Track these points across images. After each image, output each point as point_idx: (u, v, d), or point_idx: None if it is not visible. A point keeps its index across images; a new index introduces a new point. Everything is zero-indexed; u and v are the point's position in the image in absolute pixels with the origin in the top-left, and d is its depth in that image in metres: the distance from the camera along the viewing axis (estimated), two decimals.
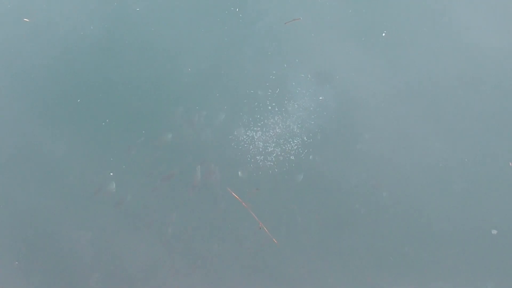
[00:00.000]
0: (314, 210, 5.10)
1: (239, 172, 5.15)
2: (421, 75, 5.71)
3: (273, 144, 5.36)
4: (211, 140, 5.40)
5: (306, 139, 5.42)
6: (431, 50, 5.82)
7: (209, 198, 5.16)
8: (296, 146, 5.36)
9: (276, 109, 5.53)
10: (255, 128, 5.45)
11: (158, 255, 4.98)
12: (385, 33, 5.87)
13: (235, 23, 5.92)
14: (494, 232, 5.01)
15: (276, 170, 5.25)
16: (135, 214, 5.11)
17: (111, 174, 5.24)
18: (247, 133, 5.42)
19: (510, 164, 4.99)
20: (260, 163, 5.29)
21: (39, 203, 5.17)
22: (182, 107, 5.55)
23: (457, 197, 5.16)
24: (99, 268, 4.96)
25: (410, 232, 5.03)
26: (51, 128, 5.49)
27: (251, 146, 5.35)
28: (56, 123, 5.51)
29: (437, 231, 5.03)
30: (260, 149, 5.35)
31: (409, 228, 5.04)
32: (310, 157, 5.33)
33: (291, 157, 5.32)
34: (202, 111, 5.53)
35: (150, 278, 4.87)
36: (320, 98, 5.50)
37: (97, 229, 5.08)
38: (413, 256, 4.94)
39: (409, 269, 4.91)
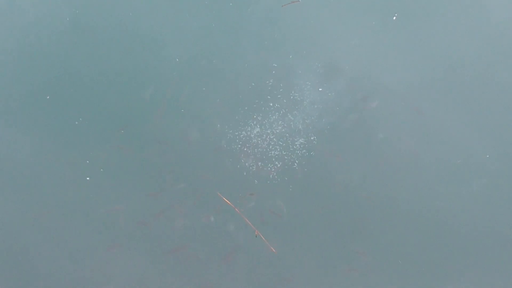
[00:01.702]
0: (319, 215, 5.09)
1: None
2: (438, 62, 5.61)
3: (275, 144, 5.26)
4: (201, 140, 5.31)
5: (312, 139, 5.29)
6: (447, 33, 5.69)
7: (200, 204, 5.12)
8: (300, 146, 5.25)
9: (277, 105, 5.39)
10: (253, 125, 5.32)
11: (145, 270, 4.95)
12: (396, 16, 5.72)
13: (226, 6, 5.80)
14: None
15: (276, 172, 5.17)
16: (116, 225, 5.05)
17: (88, 179, 5.13)
18: (244, 132, 5.30)
19: None
20: (255, 167, 5.18)
21: (6, 213, 5.09)
22: (168, 103, 5.42)
23: (476, 196, 5.12)
24: (81, 284, 4.92)
25: (424, 233, 5.03)
26: (17, 128, 5.35)
27: (244, 148, 5.21)
28: (22, 123, 5.37)
29: (454, 232, 5.02)
30: (259, 150, 5.23)
31: (424, 229, 5.04)
32: (315, 157, 5.25)
33: (295, 160, 5.20)
34: (191, 106, 5.42)
35: None
36: (320, 89, 5.41)
37: (75, 243, 5.01)
38: (426, 258, 4.95)
39: (421, 272, 4.92)
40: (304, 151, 5.24)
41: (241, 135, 5.27)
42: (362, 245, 4.99)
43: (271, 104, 5.37)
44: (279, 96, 5.42)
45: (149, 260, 4.96)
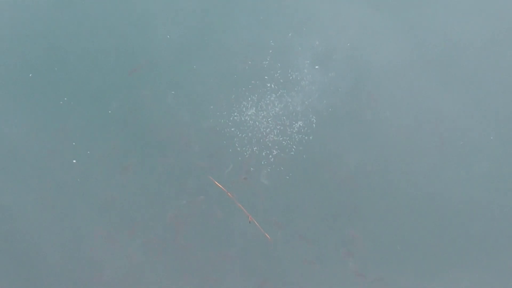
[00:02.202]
0: (315, 200, 5.02)
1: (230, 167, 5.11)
2: (440, 40, 5.59)
3: (272, 128, 5.21)
4: (192, 123, 5.25)
5: (311, 121, 5.24)
6: (450, 10, 5.66)
7: (192, 189, 5.05)
8: (298, 130, 5.20)
9: (274, 85, 5.36)
10: (248, 106, 5.29)
11: (138, 259, 4.86)
12: None
13: None
14: None
15: (273, 157, 5.11)
16: (106, 211, 4.97)
17: (74, 161, 5.06)
18: (238, 114, 5.27)
19: None
20: (250, 152, 5.14)
21: None
22: (157, 82, 5.38)
23: (480, 179, 5.05)
24: (71, 274, 4.83)
25: (423, 217, 4.97)
26: None
27: (238, 133, 5.18)
28: (2, 103, 5.32)
29: (455, 217, 4.95)
30: (254, 134, 5.19)
31: (423, 213, 4.97)
32: (314, 141, 5.18)
33: (292, 146, 5.15)
34: (182, 87, 5.37)
35: (130, 285, 4.82)
36: (316, 67, 5.39)
37: (62, 229, 4.93)
38: (425, 243, 4.89)
39: (420, 257, 4.86)
40: (302, 135, 5.23)
41: (236, 117, 5.25)
42: (359, 230, 4.94)
43: (268, 85, 5.35)
44: (276, 75, 5.40)
45: (142, 249, 4.88)
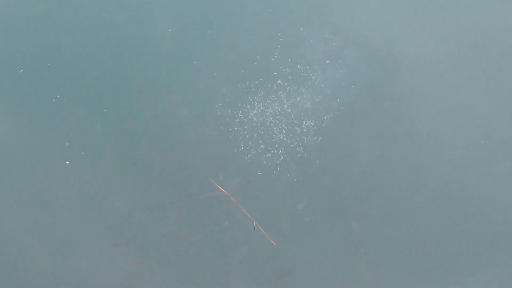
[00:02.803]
0: (322, 203, 4.98)
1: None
2: (464, 31, 5.59)
3: (280, 128, 5.19)
4: (195, 121, 5.23)
5: (324, 119, 5.22)
6: None
7: (193, 193, 5.01)
8: (307, 129, 5.16)
9: (282, 82, 5.33)
10: (254, 104, 5.26)
11: (134, 267, 4.86)
12: None
13: None
14: None
15: (279, 160, 5.08)
16: (101, 213, 4.94)
17: (67, 163, 5.02)
18: (244, 112, 5.23)
19: None
20: (255, 153, 5.10)
21: None
22: (158, 78, 5.37)
23: (501, 179, 5.03)
24: (61, 284, 4.81)
25: (442, 220, 4.96)
26: None
27: (243, 131, 5.13)
28: None
29: (478, 219, 4.93)
30: (260, 134, 5.15)
31: (442, 215, 4.96)
32: (324, 143, 5.14)
33: (301, 147, 5.11)
34: (185, 83, 5.35)
35: None
36: (327, 62, 5.34)
37: (59, 232, 4.90)
38: (444, 247, 4.86)
39: (438, 262, 4.86)
40: (311, 136, 5.24)
41: (241, 116, 5.24)
42: (371, 234, 4.92)
43: (278, 81, 5.35)
44: (284, 71, 5.42)
45: (140, 254, 4.87)
